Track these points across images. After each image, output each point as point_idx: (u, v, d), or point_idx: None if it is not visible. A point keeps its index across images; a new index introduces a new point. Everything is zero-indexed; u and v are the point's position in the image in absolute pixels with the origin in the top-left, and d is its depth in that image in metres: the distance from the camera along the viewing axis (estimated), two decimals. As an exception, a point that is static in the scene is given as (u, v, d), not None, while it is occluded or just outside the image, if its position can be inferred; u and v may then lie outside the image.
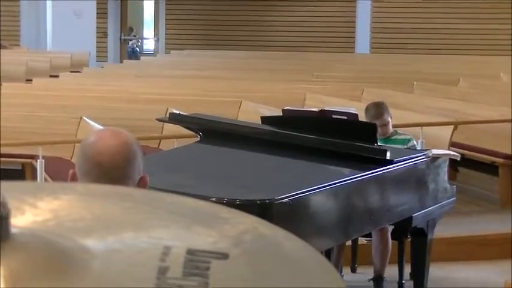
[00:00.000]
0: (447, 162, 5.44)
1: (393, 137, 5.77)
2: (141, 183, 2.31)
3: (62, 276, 0.76)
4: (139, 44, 24.01)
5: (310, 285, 0.82)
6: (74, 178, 2.30)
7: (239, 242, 0.84)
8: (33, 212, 0.85)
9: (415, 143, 5.87)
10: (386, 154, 4.76)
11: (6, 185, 0.89)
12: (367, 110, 5.78)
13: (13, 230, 0.79)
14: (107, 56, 20.26)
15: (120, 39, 21.29)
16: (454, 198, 5.47)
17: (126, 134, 2.36)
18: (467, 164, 8.30)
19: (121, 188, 1.00)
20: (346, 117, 5.42)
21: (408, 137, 5.86)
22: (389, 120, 5.75)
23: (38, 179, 6.72)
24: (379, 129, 5.43)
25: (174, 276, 0.76)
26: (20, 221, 0.83)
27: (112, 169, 2.26)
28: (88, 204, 0.90)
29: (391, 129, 5.77)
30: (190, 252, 0.80)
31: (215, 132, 5.36)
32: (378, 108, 5.73)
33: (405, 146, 5.72)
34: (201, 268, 0.78)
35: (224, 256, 0.80)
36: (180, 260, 0.78)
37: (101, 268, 0.77)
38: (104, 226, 0.85)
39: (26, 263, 0.76)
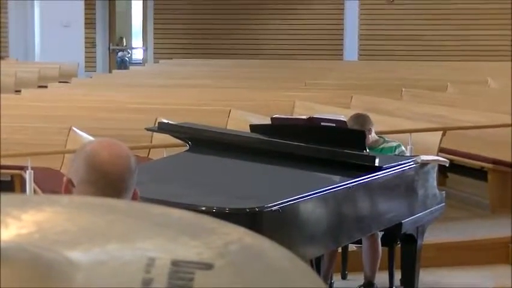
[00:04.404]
0: (436, 168, 5.45)
1: (381, 146, 5.76)
2: (134, 197, 2.30)
3: (47, 289, 0.76)
4: (128, 55, 24.00)
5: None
6: (68, 185, 2.27)
7: (224, 253, 0.84)
8: (17, 224, 0.85)
9: (403, 148, 5.87)
10: (375, 161, 4.77)
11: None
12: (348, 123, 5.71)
13: (-3, 244, 0.79)
14: (95, 66, 20.24)
15: (109, 49, 21.28)
16: (443, 204, 5.48)
17: (125, 146, 2.36)
18: (456, 169, 8.33)
19: (106, 199, 1.01)
20: (334, 125, 5.43)
21: (395, 143, 5.85)
22: (371, 129, 5.70)
23: (27, 190, 6.71)
24: None
25: (159, 287, 0.77)
26: (4, 234, 0.83)
27: (117, 181, 2.25)
28: (73, 216, 0.90)
29: (371, 138, 5.69)
30: (175, 263, 0.80)
31: (204, 141, 5.37)
32: (356, 121, 5.66)
33: (394, 153, 5.72)
34: (186, 279, 0.78)
35: (208, 267, 0.80)
36: (165, 271, 0.79)
37: (86, 280, 0.78)
38: (88, 238, 0.85)
39: (11, 276, 0.76)
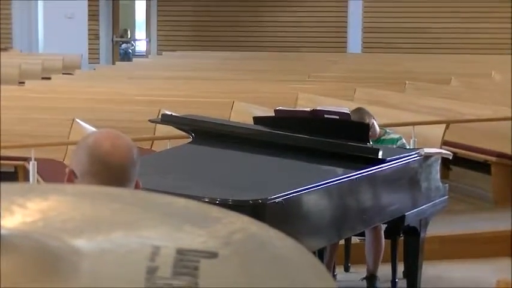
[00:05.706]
0: (439, 161, 5.45)
1: (382, 137, 5.78)
2: (136, 188, 2.30)
3: (52, 277, 0.76)
4: (132, 47, 23.97)
5: (300, 285, 0.82)
6: (71, 176, 2.27)
7: (229, 242, 0.84)
8: (22, 212, 0.85)
9: (404, 141, 5.88)
10: (378, 153, 4.77)
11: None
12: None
13: (2, 231, 0.79)
14: (99, 58, 20.23)
15: (112, 41, 21.26)
16: (447, 196, 5.48)
17: (127, 137, 2.36)
18: (460, 162, 8.32)
19: (111, 188, 1.00)
20: (338, 117, 5.42)
21: (397, 136, 5.86)
22: (373, 121, 5.72)
23: (31, 181, 6.72)
24: None
25: (163, 275, 0.77)
26: (9, 222, 0.83)
27: (120, 172, 2.24)
28: (77, 204, 0.90)
29: (377, 130, 5.74)
30: (180, 251, 0.80)
31: (207, 133, 5.36)
32: (358, 114, 5.67)
33: (395, 145, 5.73)
34: (190, 267, 0.78)
35: (213, 255, 0.80)
36: (170, 259, 0.79)
37: (91, 268, 0.78)
38: (93, 227, 0.85)
39: (16, 264, 0.76)
